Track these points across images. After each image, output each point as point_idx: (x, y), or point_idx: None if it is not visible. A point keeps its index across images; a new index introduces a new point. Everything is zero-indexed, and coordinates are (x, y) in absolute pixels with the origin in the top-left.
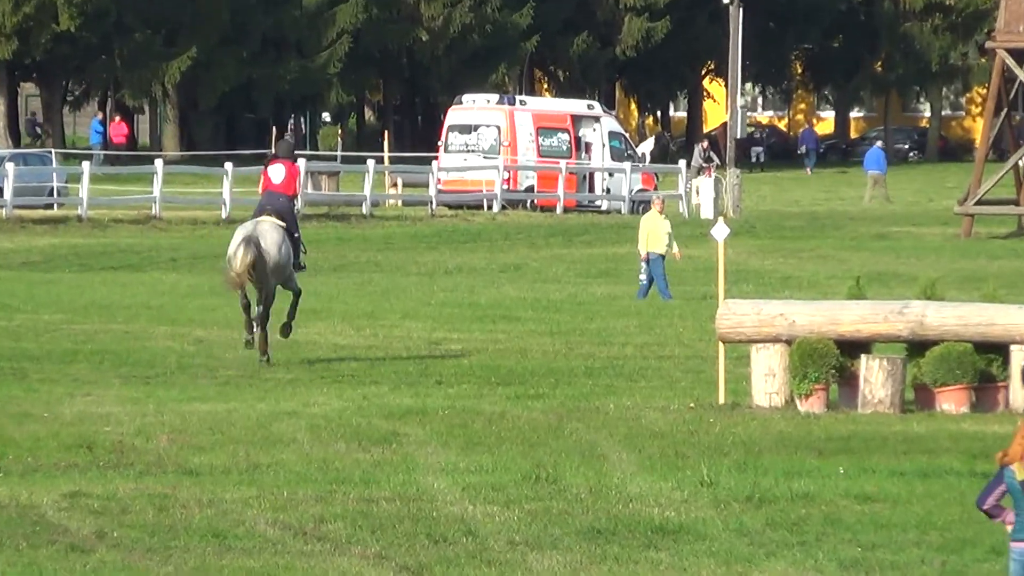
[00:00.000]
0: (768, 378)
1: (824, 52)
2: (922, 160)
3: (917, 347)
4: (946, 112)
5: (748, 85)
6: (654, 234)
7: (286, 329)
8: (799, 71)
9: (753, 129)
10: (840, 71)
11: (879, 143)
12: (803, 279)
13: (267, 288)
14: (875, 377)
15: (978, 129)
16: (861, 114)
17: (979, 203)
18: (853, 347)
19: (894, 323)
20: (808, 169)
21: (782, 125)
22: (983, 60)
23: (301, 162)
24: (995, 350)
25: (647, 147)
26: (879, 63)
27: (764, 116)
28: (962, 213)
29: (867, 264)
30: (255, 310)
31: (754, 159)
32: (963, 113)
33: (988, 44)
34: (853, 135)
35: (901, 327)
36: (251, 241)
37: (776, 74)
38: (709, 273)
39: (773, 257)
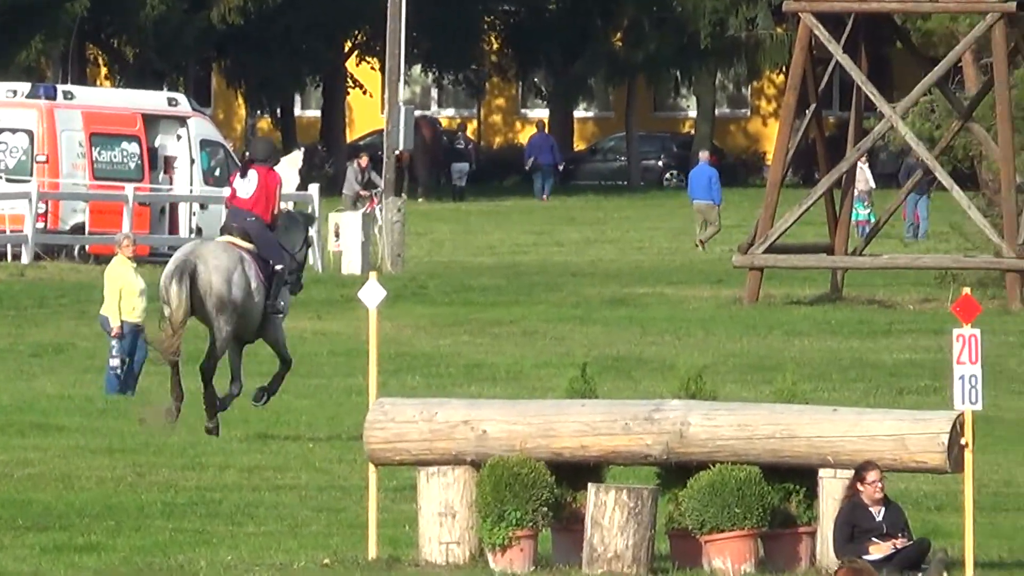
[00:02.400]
0: (444, 520)
1: (534, 19)
2: (684, 184)
3: (675, 472)
4: (722, 111)
5: (416, 69)
6: (129, 292)
7: (261, 394)
8: (495, 48)
9: (457, 136)
10: (558, 48)
11: (705, 155)
12: (500, 367)
13: (214, 332)
14: (609, 518)
15: (771, 137)
16: (591, 114)
17: (772, 250)
18: (576, 472)
19: (640, 435)
20: (542, 196)
21: (470, 131)
22: (780, 30)
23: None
24: (796, 476)
25: (291, 166)
26: (618, 35)
27: (445, 116)
28: (745, 266)
29: (598, 345)
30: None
31: (459, 181)
32: (748, 112)
33: (787, 5)
34: (578, 146)
35: (650, 441)
36: (184, 269)
37: (460, 53)
38: (354, 358)
39: (454, 333)
